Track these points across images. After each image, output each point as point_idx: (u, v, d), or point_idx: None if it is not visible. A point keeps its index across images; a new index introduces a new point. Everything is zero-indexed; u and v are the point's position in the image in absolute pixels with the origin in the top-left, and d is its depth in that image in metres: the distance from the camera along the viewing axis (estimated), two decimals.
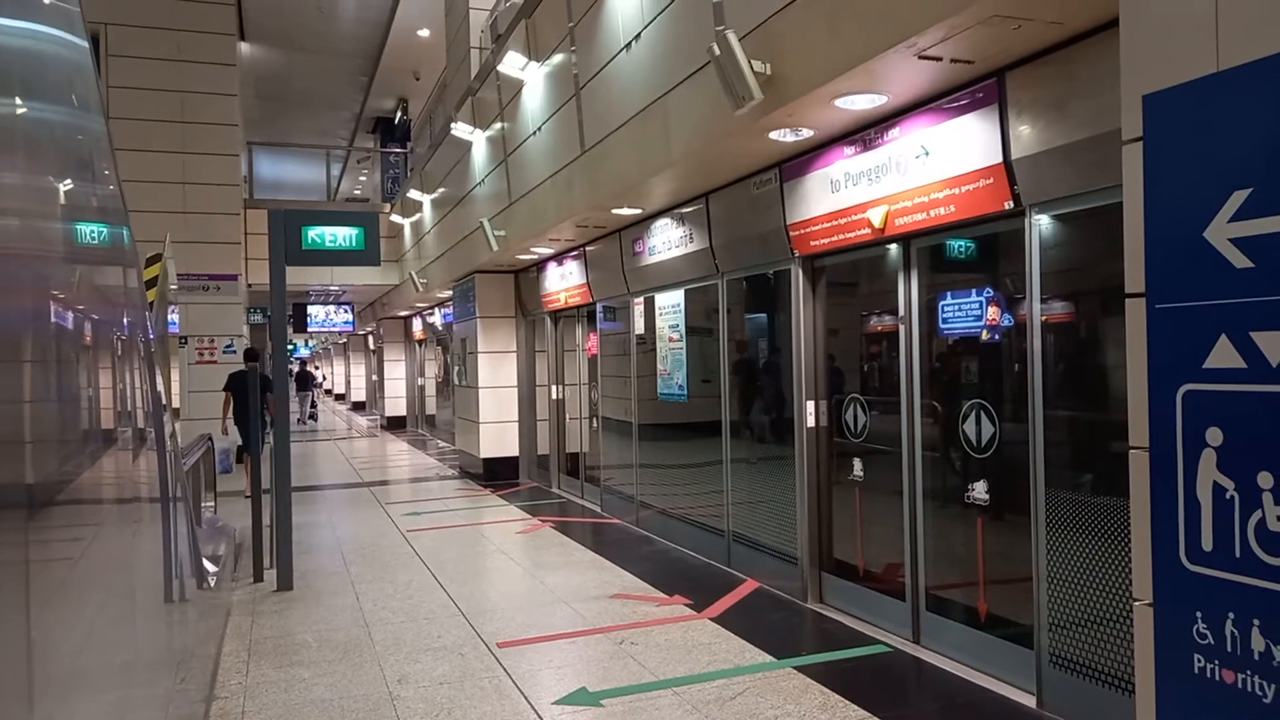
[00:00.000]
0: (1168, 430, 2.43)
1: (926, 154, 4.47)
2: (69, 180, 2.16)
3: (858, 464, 5.51)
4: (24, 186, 1.61)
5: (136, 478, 3.11)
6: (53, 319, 1.76)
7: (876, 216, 4.86)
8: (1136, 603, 2.57)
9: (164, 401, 4.33)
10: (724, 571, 6.67)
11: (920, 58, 3.73)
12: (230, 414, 11.23)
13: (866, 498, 5.50)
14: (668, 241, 7.40)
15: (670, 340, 7.69)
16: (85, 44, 2.45)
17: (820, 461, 5.81)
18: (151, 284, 6.38)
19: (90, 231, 2.49)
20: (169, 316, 10.62)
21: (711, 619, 5.44)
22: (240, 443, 11.27)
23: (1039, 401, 4.02)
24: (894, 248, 5.03)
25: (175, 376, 12.22)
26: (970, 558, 4.64)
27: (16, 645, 1.28)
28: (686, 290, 7.39)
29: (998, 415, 4.40)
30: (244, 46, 15.94)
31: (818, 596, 5.79)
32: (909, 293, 4.95)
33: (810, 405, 5.78)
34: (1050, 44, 3.65)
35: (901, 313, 5.00)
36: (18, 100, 1.58)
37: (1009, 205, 4.06)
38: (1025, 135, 3.91)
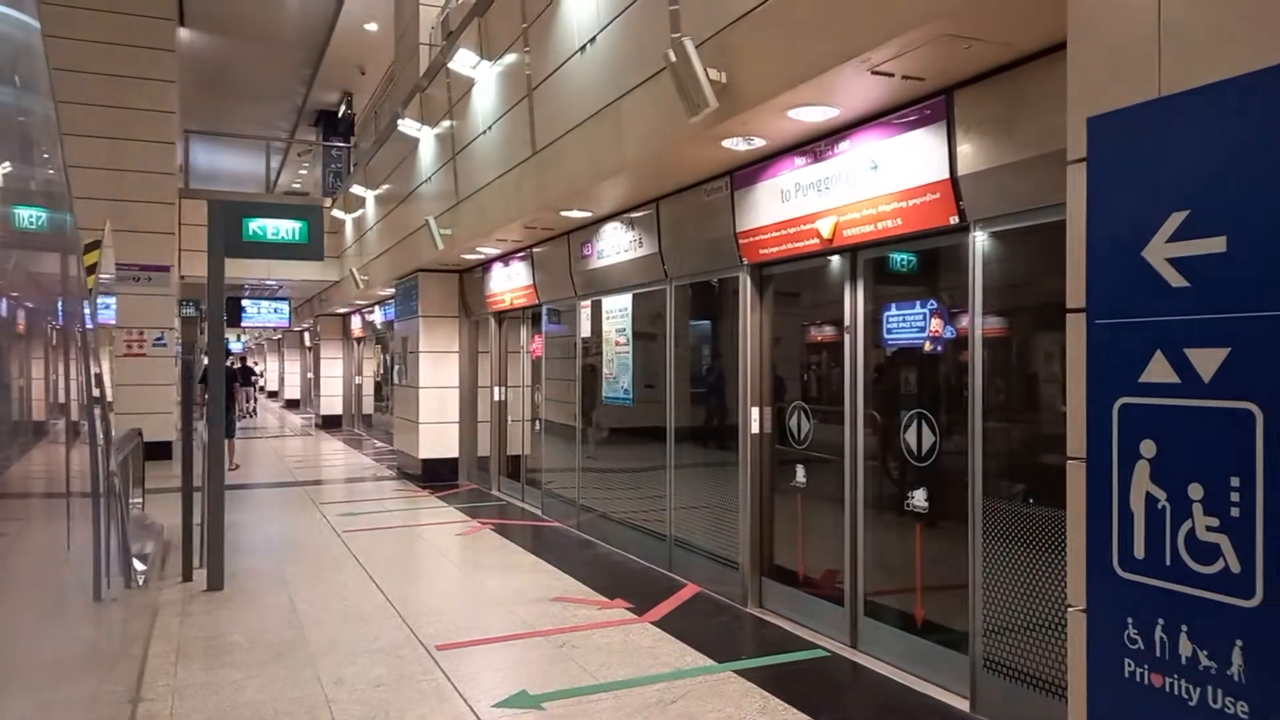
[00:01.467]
0: (1104, 442, 2.52)
1: (876, 167, 4.56)
2: (7, 162, 2.09)
3: (800, 471, 5.58)
4: None
5: (67, 472, 3.00)
6: None
7: (825, 227, 4.93)
8: (1070, 609, 2.66)
9: (98, 394, 4.19)
10: (665, 576, 6.69)
11: (873, 73, 3.80)
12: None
13: (808, 504, 5.57)
14: (617, 246, 7.41)
15: (617, 345, 7.70)
16: (37, 24, 2.37)
17: (763, 468, 5.87)
18: (90, 270, 6.17)
19: (30, 216, 2.41)
20: (106, 306, 10.31)
21: (652, 623, 5.45)
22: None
23: (978, 412, 4.13)
24: (841, 258, 5.12)
25: (105, 368, 11.82)
26: (908, 564, 4.73)
27: None
28: (635, 295, 7.41)
29: (938, 425, 4.51)
30: (183, 32, 15.55)
31: (758, 601, 5.84)
32: (854, 303, 5.04)
33: (754, 412, 5.84)
34: (999, 64, 3.75)
35: (847, 322, 5.08)
36: None
37: (954, 220, 4.16)
38: (972, 152, 4.01)
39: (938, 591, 4.63)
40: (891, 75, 3.82)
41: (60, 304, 2.89)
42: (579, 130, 6.28)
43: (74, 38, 13.16)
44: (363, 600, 5.98)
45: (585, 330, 8.31)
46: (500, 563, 7.15)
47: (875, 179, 4.57)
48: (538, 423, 9.75)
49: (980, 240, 4.12)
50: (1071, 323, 2.64)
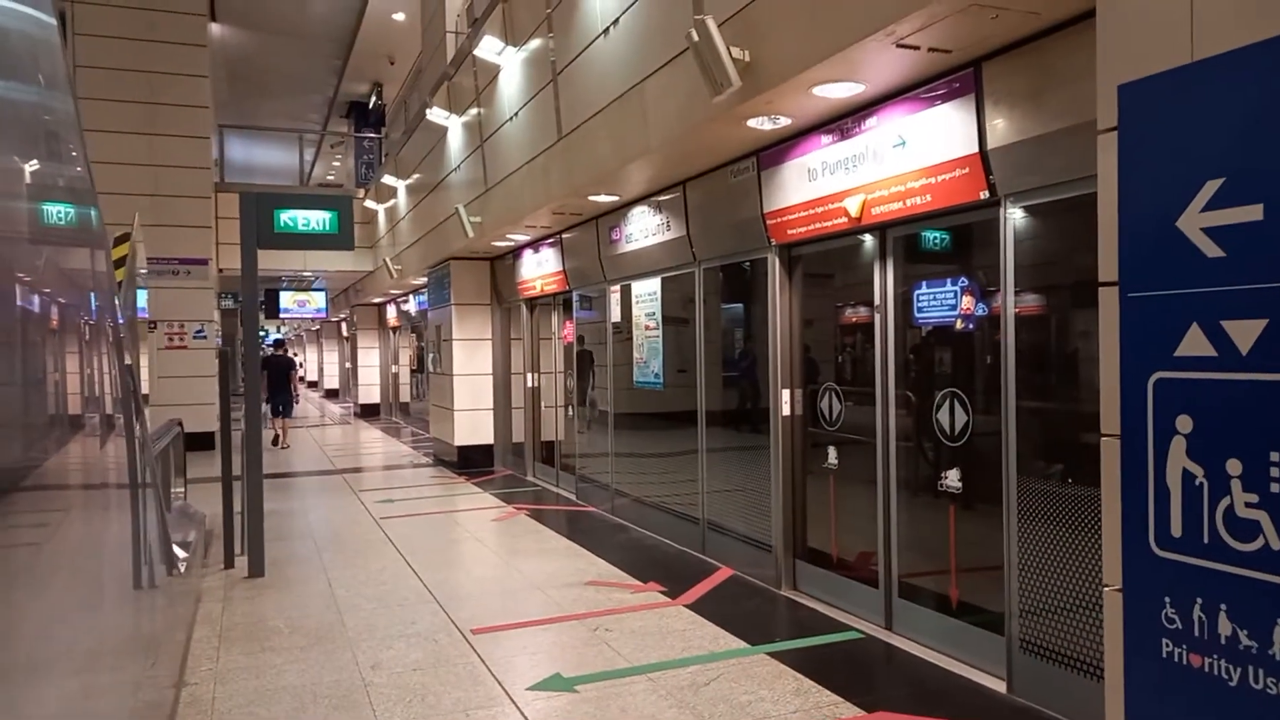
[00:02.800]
0: (1139, 418, 2.46)
1: (903, 143, 4.48)
2: (35, 160, 2.11)
3: (832, 452, 5.53)
4: None
5: (104, 463, 3.06)
6: (17, 301, 1.72)
7: (853, 205, 4.87)
8: (1106, 588, 2.61)
9: (134, 386, 4.26)
10: (699, 559, 6.69)
11: (898, 46, 3.73)
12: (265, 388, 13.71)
13: (841, 486, 5.53)
14: (645, 229, 7.38)
15: (647, 329, 7.68)
16: (53, 21, 2.39)
17: (795, 450, 5.83)
18: (120, 264, 6.27)
19: (57, 212, 2.43)
20: (137, 300, 10.50)
21: (686, 606, 5.45)
22: (269, 410, 14.69)
23: (1012, 391, 4.06)
24: (870, 237, 5.05)
25: (144, 362, 12.06)
26: (942, 545, 4.68)
27: None
28: (663, 278, 7.38)
29: (971, 404, 4.44)
30: (215, 27, 15.70)
31: (791, 584, 5.82)
32: (884, 282, 4.97)
33: (785, 394, 5.79)
34: (1027, 34, 3.66)
35: (877, 302, 5.01)
36: None
37: (984, 195, 4.08)
38: (1001, 125, 3.92)
39: (972, 572, 4.58)
40: (917, 48, 3.75)
41: (91, 298, 2.93)
42: (604, 114, 6.25)
43: (107, 35, 13.35)
44: (400, 585, 6.04)
45: (615, 315, 8.30)
46: (535, 547, 7.19)
47: (903, 155, 4.49)
48: (570, 408, 9.78)
49: (1011, 215, 4.03)
50: (1104, 296, 2.58)
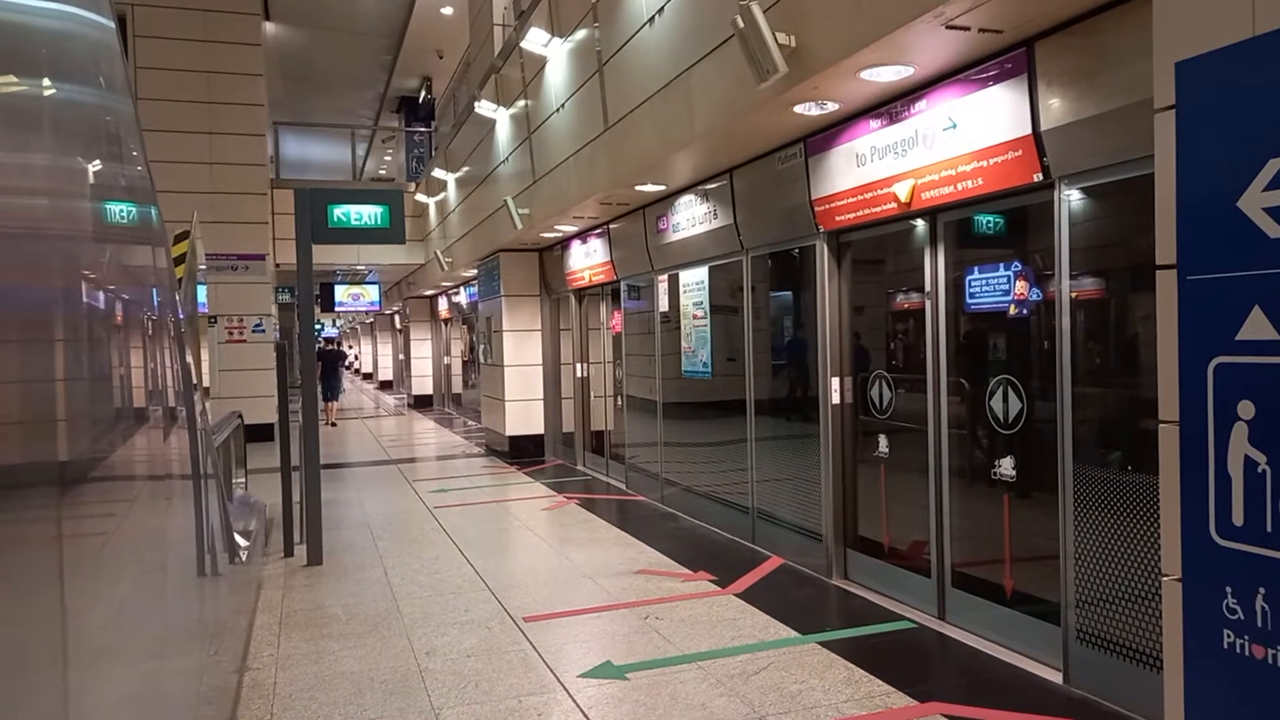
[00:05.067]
0: (1198, 404, 2.39)
1: (954, 126, 4.41)
2: (97, 160, 2.17)
3: (883, 441, 5.48)
4: (52, 167, 1.62)
5: (168, 455, 3.15)
6: (83, 298, 1.78)
7: (903, 190, 4.80)
8: (1165, 578, 2.55)
9: (194, 380, 4.38)
10: (749, 548, 6.69)
11: (948, 27, 3.67)
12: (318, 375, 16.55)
13: (892, 474, 5.47)
14: (692, 218, 7.37)
15: (695, 318, 7.67)
16: (111, 24, 2.46)
17: (845, 438, 5.79)
18: (179, 261, 6.44)
19: (119, 211, 2.50)
20: (197, 295, 10.78)
21: (736, 595, 5.46)
22: (323, 395, 17.30)
23: (1067, 377, 3.98)
24: (920, 222, 4.98)
25: (205, 355, 12.37)
26: (996, 534, 4.61)
27: (50, 617, 1.30)
28: (711, 267, 7.36)
29: (1025, 391, 4.36)
30: (269, 26, 15.98)
31: (843, 573, 5.79)
32: (935, 268, 4.90)
33: (835, 382, 5.75)
34: (1080, 12, 3.57)
35: (928, 288, 4.95)
36: (46, 81, 1.58)
37: (1038, 178, 4.00)
38: (1055, 106, 3.84)
39: (1028, 562, 4.51)
40: (967, 29, 3.68)
41: (153, 294, 3.01)
42: (649, 103, 6.25)
43: (166, 37, 13.67)
44: (453, 573, 6.14)
45: (663, 304, 8.31)
46: (585, 536, 7.25)
47: (954, 138, 4.42)
48: (620, 398, 9.82)
49: (1066, 197, 3.95)
50: (1162, 280, 2.51)
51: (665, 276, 8.22)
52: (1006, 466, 4.47)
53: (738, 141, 5.81)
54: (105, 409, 2.07)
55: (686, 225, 7.48)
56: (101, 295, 2.02)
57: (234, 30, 14.27)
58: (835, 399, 5.75)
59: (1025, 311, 4.38)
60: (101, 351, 2.03)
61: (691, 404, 8.08)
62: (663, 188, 7.41)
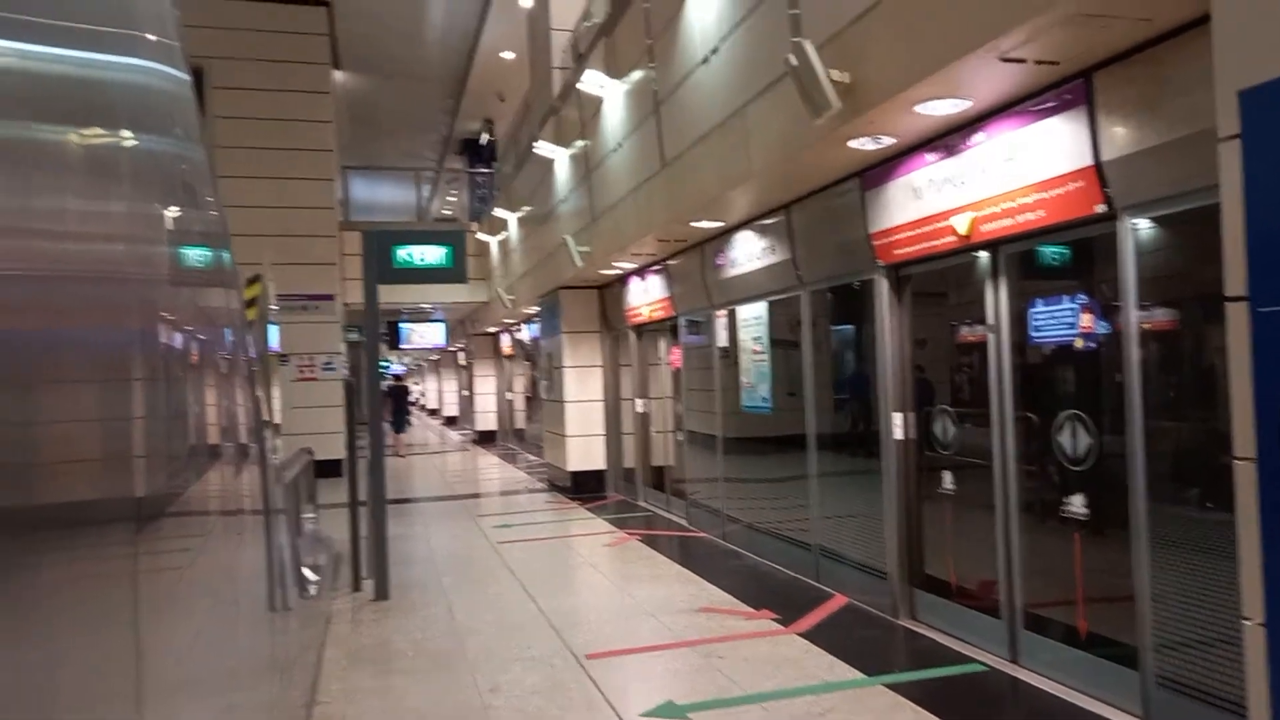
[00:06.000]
0: (1275, 439, 2.32)
1: (1012, 158, 4.36)
2: (175, 206, 2.28)
3: (948, 477, 5.38)
4: (131, 213, 1.70)
5: (240, 491, 3.25)
6: (160, 339, 1.86)
7: (962, 223, 4.76)
8: (1246, 622, 2.46)
9: (265, 417, 4.52)
10: (812, 586, 6.59)
11: (1003, 60, 3.65)
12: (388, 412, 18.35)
13: (957, 511, 5.36)
14: (749, 254, 7.39)
15: (754, 352, 7.66)
16: (187, 77, 2.58)
17: (909, 475, 5.70)
18: (252, 303, 6.67)
19: (194, 255, 2.62)
20: (269, 335, 11.12)
21: (800, 634, 5.38)
22: (392, 427, 19.43)
23: (1138, 411, 3.87)
24: (981, 255, 4.92)
25: (276, 393, 12.72)
26: (1069, 574, 4.48)
27: (126, 651, 1.36)
28: (770, 302, 7.36)
29: (1095, 426, 4.25)
30: (338, 74, 16.56)
31: (909, 613, 5.67)
32: (998, 301, 4.83)
33: (898, 418, 5.68)
34: (1139, 42, 3.53)
35: (990, 321, 4.87)
36: (126, 132, 1.67)
37: (1101, 209, 3.93)
38: (1116, 136, 3.78)
39: (1103, 603, 4.36)
40: (1023, 61, 3.66)
41: (226, 334, 3.13)
42: (705, 141, 6.31)
43: (240, 87, 14.26)
44: (516, 610, 6.17)
45: (722, 340, 8.32)
46: (647, 573, 7.23)
47: (1013, 171, 4.37)
48: (680, 433, 9.81)
49: (1131, 228, 3.87)
50: (1232, 312, 2.45)
51: (724, 311, 8.23)
52: (1077, 504, 4.35)
53: (794, 177, 5.83)
54: (180, 446, 2.15)
55: (744, 261, 7.49)
56: (178, 336, 2.11)
57: (305, 79, 14.82)
58: (898, 434, 5.67)
59: (1092, 344, 4.28)
60: (177, 390, 2.11)
61: (752, 439, 8.04)
62: (720, 224, 7.45)
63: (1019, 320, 4.72)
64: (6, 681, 0.84)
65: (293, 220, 14.47)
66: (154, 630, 1.51)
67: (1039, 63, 3.69)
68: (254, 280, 7.02)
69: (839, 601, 6.13)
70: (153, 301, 1.79)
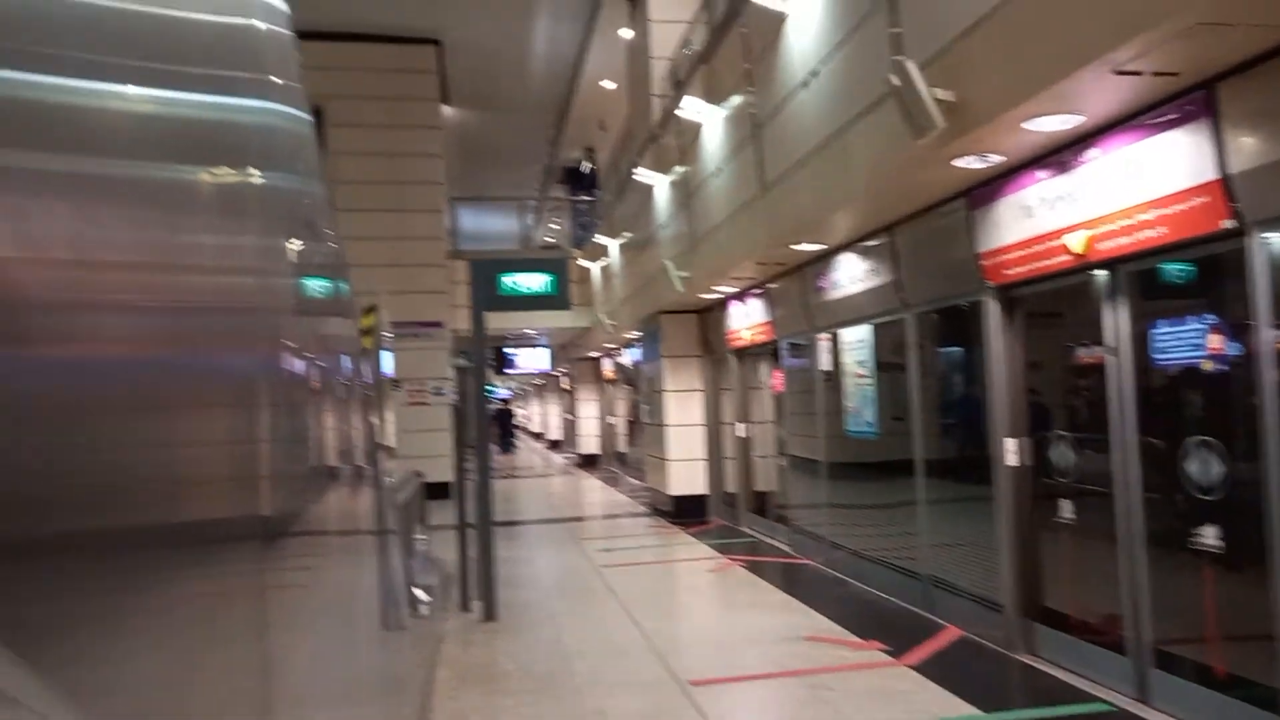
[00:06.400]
0: None
1: (1130, 174, 4.19)
2: (297, 240, 2.40)
3: (1066, 505, 5.15)
4: (259, 247, 1.81)
5: (356, 511, 3.37)
6: (283, 366, 1.95)
7: (1076, 242, 4.58)
8: None
9: (379, 441, 4.68)
10: (922, 617, 6.39)
11: (1118, 73, 3.52)
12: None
13: (1077, 541, 5.12)
14: (852, 276, 7.28)
15: (858, 377, 7.52)
16: (309, 117, 2.73)
17: (1024, 503, 5.48)
18: (368, 331, 6.95)
19: (315, 286, 2.75)
20: (383, 362, 11.52)
21: (910, 666, 5.22)
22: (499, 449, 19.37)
23: (1274, 437, 3.63)
24: (1098, 274, 4.72)
25: (390, 417, 13.16)
26: (1201, 610, 4.22)
27: (255, 666, 1.42)
28: (873, 325, 7.22)
29: (1226, 453, 4.01)
30: (446, 109, 17.15)
31: (1026, 647, 5.43)
32: (1117, 321, 4.62)
33: (1010, 443, 5.47)
34: (1266, 49, 3.34)
35: (1109, 343, 4.66)
36: (253, 170, 1.78)
37: (1228, 224, 3.72)
38: (1244, 149, 3.59)
39: (1241, 641, 4.09)
40: (1139, 74, 3.52)
41: (344, 361, 3.27)
42: (806, 164, 6.27)
43: (358, 125, 14.91)
44: (621, 634, 6.19)
45: (825, 363, 8.20)
46: (751, 600, 7.15)
47: (1131, 187, 4.19)
48: (782, 458, 9.69)
49: (1262, 244, 3.65)
50: None
51: (826, 335, 8.12)
52: (1209, 535, 4.10)
53: (897, 198, 5.73)
54: (302, 468, 2.24)
55: (846, 283, 7.39)
56: (300, 363, 2.21)
57: (416, 115, 15.41)
58: (1011, 460, 5.47)
59: (1222, 366, 4.05)
60: (299, 415, 2.21)
61: (857, 464, 7.88)
62: (821, 247, 7.38)
63: (1140, 341, 4.51)
64: (147, 690, 0.89)
65: (404, 250, 15.01)
66: (280, 644, 1.58)
67: (1157, 74, 3.55)
68: (370, 309, 7.30)
69: (951, 633, 5.92)
70: (277, 330, 1.89)
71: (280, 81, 2.24)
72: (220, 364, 1.38)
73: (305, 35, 2.71)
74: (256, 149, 1.80)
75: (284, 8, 2.19)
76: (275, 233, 1.99)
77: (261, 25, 1.90)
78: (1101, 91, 3.75)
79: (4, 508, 0.62)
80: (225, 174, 1.48)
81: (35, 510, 0.66)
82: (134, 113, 1.02)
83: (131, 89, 1.02)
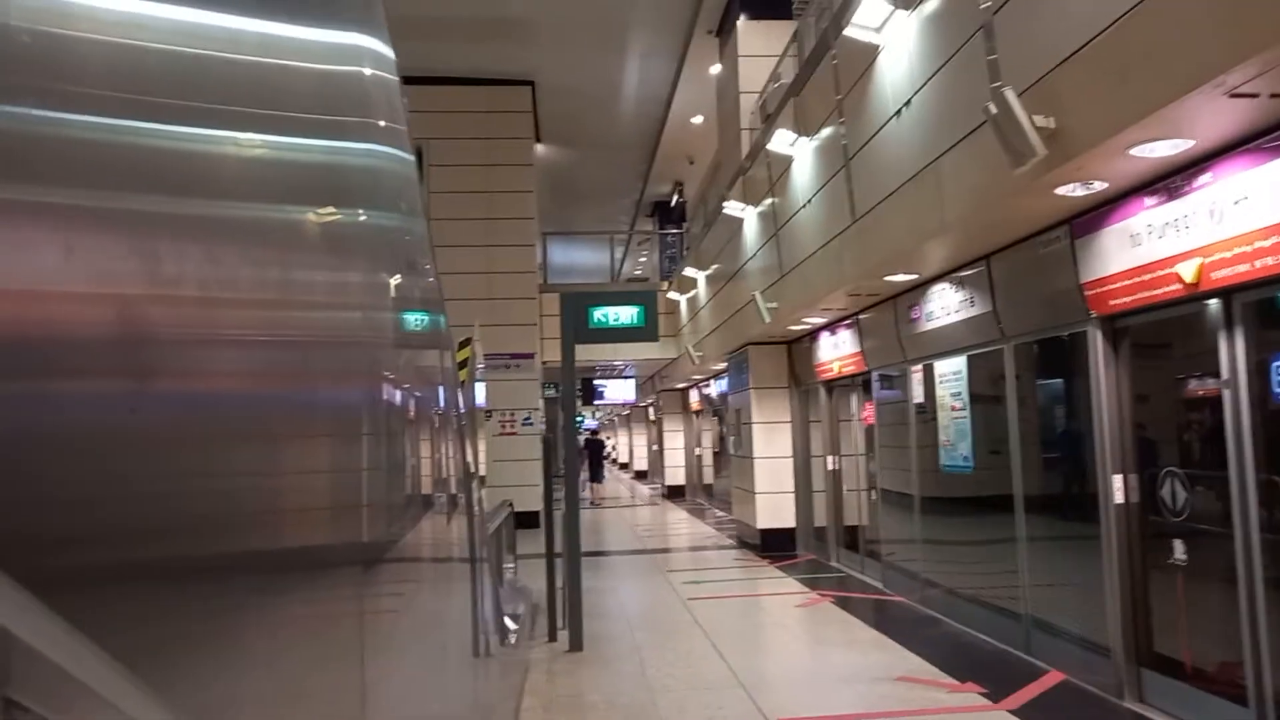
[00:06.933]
0: None
1: (1246, 199, 3.98)
2: (399, 276, 2.47)
3: (1179, 546, 4.88)
4: (364, 283, 1.86)
5: (450, 539, 3.42)
6: (384, 397, 2.00)
7: (1188, 271, 4.37)
8: None
9: (472, 470, 4.76)
10: (1022, 659, 6.12)
11: (1231, 96, 3.36)
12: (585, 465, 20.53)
13: (1191, 584, 4.84)
14: (946, 307, 7.11)
15: (953, 409, 7.31)
16: (411, 158, 2.82)
17: (1132, 542, 5.21)
18: (463, 365, 7.09)
19: (414, 319, 2.82)
20: (477, 392, 11.75)
21: (1010, 711, 5.00)
22: (589, 477, 21.29)
23: None
24: (1211, 304, 4.49)
25: (482, 447, 13.38)
26: None
27: (354, 685, 1.45)
28: (969, 356, 7.02)
29: None
30: (539, 148, 17.53)
31: (1136, 694, 5.13)
32: (1233, 353, 4.38)
33: (1118, 480, 5.22)
34: None
35: (1225, 376, 4.42)
36: (360, 210, 1.83)
37: None
38: None
39: None
40: (1255, 96, 3.35)
41: (440, 392, 3.33)
42: (897, 195, 6.17)
43: (456, 164, 15.36)
44: (707, 668, 6.10)
45: (918, 395, 8.00)
46: (841, 637, 6.97)
47: (1247, 213, 3.99)
48: (874, 492, 9.47)
49: None
50: None
51: (919, 366, 7.93)
52: None
53: (994, 227, 5.58)
54: (400, 495, 2.29)
55: (941, 314, 7.21)
56: (399, 394, 2.27)
57: (510, 154, 15.79)
58: (1118, 498, 5.22)
59: None
60: (398, 443, 2.26)
61: (952, 499, 7.64)
62: (914, 277, 7.23)
63: (1260, 373, 4.26)
64: (253, 710, 0.91)
65: (498, 284, 15.33)
66: (376, 668, 1.60)
67: (1275, 96, 3.37)
68: (465, 343, 7.47)
69: (1054, 678, 5.64)
70: (379, 362, 1.94)
71: (385, 124, 2.33)
72: (328, 396, 1.42)
73: (408, 80, 2.80)
74: (363, 190, 1.87)
75: (390, 54, 2.28)
76: (379, 269, 2.06)
77: (368, 72, 1.97)
78: (1214, 115, 3.58)
79: (129, 534, 0.64)
80: (333, 214, 1.54)
81: (155, 536, 0.69)
82: (252, 158, 1.07)
83: (257, 136, 1.07)
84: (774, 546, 11.66)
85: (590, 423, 40.44)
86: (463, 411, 4.45)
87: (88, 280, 0.60)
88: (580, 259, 24.23)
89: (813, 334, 10.72)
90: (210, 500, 0.83)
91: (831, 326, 10.04)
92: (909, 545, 8.34)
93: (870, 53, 6.57)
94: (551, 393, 19.87)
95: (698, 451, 21.78)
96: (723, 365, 14.62)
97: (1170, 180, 4.43)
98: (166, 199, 0.76)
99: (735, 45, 12.09)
